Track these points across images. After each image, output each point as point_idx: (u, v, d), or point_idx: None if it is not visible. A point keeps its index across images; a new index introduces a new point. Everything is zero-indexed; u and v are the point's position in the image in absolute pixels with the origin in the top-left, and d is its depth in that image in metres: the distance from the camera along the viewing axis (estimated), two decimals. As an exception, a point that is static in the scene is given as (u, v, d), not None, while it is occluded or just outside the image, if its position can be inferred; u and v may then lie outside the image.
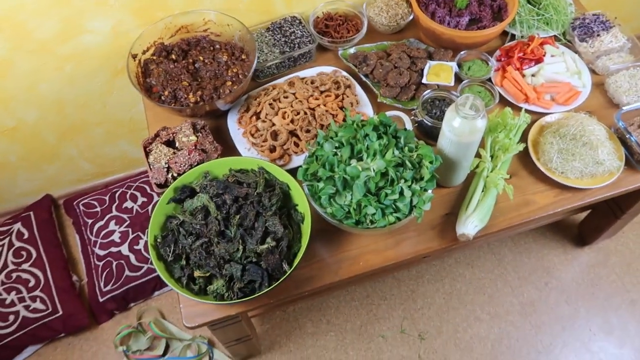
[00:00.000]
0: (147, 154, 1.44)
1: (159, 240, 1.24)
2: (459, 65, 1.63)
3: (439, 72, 1.59)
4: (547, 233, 2.17)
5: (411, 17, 1.72)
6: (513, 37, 1.73)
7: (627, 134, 1.44)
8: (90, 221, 2.04)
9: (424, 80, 1.59)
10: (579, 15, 1.75)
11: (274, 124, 1.51)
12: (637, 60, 1.63)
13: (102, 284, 1.91)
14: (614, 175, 1.41)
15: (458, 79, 1.61)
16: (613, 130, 1.49)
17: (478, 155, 1.36)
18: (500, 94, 1.56)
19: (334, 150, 1.26)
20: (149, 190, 2.11)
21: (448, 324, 1.98)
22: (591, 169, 1.40)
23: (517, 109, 1.54)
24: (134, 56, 1.53)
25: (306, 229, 1.25)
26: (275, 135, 1.50)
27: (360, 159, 1.23)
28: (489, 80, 1.61)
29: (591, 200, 1.43)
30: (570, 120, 1.46)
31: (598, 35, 1.68)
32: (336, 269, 1.33)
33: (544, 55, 1.64)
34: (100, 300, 1.90)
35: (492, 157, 1.40)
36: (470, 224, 1.30)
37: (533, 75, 1.61)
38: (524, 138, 1.49)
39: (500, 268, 2.09)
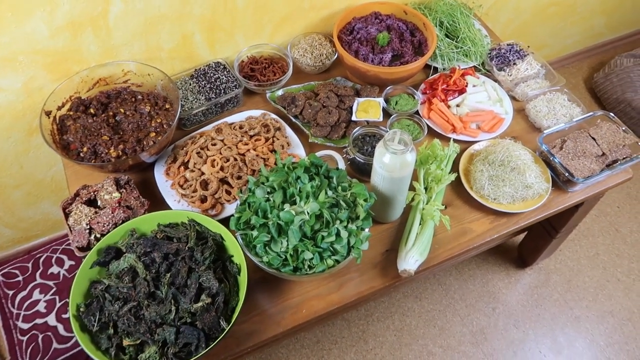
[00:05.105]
0: (66, 216, 1.34)
1: (81, 309, 1.14)
2: (386, 101, 1.65)
3: (367, 109, 1.60)
4: (489, 258, 2.20)
5: (336, 56, 1.74)
6: (436, 70, 1.78)
7: (550, 156, 1.48)
8: (11, 292, 1.88)
9: (353, 118, 1.59)
10: (495, 45, 1.82)
11: (203, 173, 1.45)
12: (552, 85, 1.70)
13: (27, 361, 1.75)
14: (543, 197, 1.44)
15: (387, 114, 1.63)
16: (538, 154, 1.53)
17: (412, 188, 1.36)
18: (428, 126, 1.59)
19: (266, 195, 1.21)
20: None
21: (402, 362, 1.93)
22: (521, 193, 1.43)
23: (445, 139, 1.57)
24: (48, 113, 1.44)
25: (243, 280, 1.18)
26: (205, 184, 1.44)
27: (293, 203, 1.19)
28: (417, 113, 1.63)
29: (525, 223, 1.45)
30: (497, 147, 1.49)
31: (514, 63, 1.75)
32: (279, 320, 1.27)
33: (466, 86, 1.68)
34: (26, 379, 1.73)
35: (426, 189, 1.40)
36: (410, 259, 1.28)
37: (458, 106, 1.65)
38: (455, 168, 1.50)
39: (447, 298, 2.08)
